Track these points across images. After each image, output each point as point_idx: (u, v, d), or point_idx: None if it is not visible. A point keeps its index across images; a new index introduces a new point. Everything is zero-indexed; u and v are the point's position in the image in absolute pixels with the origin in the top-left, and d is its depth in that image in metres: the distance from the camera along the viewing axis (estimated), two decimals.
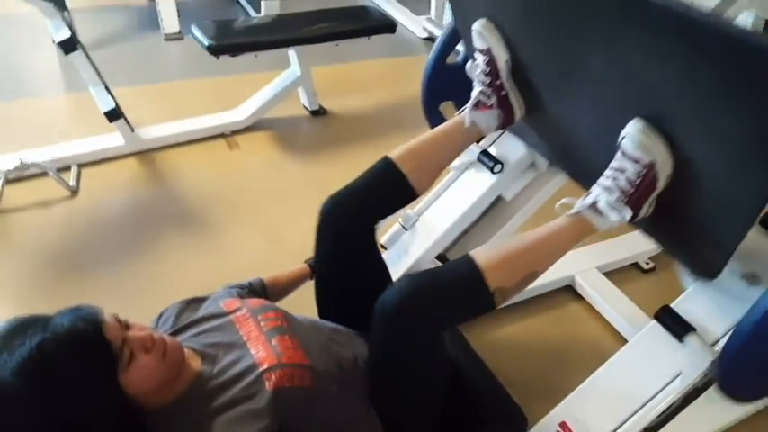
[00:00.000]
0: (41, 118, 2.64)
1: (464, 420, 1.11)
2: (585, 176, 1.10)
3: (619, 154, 0.90)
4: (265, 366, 0.93)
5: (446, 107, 1.67)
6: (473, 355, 1.28)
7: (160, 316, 1.12)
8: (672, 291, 1.79)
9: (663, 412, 0.92)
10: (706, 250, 0.91)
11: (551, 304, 1.72)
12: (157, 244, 1.96)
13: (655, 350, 0.98)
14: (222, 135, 2.56)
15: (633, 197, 0.89)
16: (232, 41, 2.37)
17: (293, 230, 2.03)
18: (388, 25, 2.65)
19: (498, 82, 1.17)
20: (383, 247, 1.52)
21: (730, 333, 0.84)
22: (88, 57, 2.17)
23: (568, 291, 1.78)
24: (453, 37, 1.51)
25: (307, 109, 2.80)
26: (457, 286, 0.94)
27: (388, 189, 1.22)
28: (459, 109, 1.50)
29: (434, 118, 1.63)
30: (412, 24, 3.74)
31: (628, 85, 0.86)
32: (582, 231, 0.95)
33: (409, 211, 1.48)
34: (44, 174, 2.13)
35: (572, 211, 0.94)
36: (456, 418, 1.10)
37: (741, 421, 1.08)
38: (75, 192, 2.14)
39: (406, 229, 1.51)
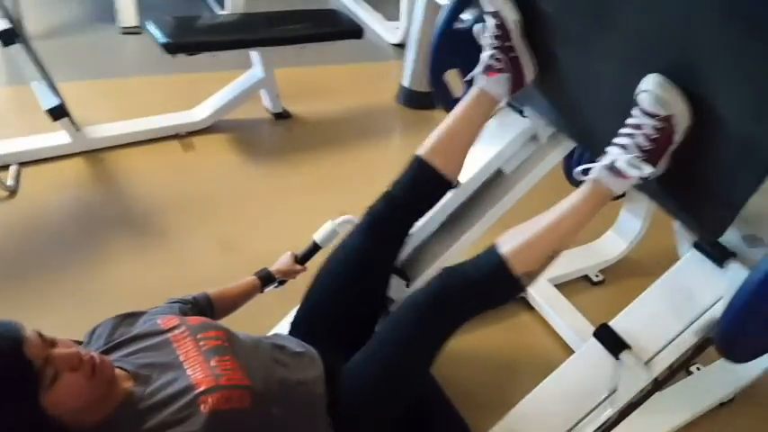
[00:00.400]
0: None
1: None
2: (596, 139, 1.10)
3: (636, 110, 0.90)
4: (202, 389, 0.88)
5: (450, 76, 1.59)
6: None
7: (93, 331, 1.05)
8: (620, 304, 1.81)
9: (599, 427, 0.95)
10: (715, 206, 0.91)
11: (503, 314, 1.74)
12: (103, 250, 1.87)
13: (592, 366, 1.01)
14: (177, 136, 2.46)
15: (651, 152, 0.89)
16: (190, 39, 2.29)
17: (249, 239, 1.96)
18: (355, 31, 2.61)
19: (508, 43, 1.16)
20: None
21: (732, 295, 0.84)
22: (30, 50, 2.05)
23: (521, 301, 1.79)
24: (463, 1, 1.45)
25: (269, 112, 2.73)
26: (486, 278, 0.99)
27: (427, 191, 1.25)
28: (464, 76, 1.44)
29: (439, 86, 1.57)
30: (383, 30, 3.70)
31: (654, 36, 0.86)
32: (599, 199, 0.96)
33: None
34: None
35: (590, 175, 0.95)
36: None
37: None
38: (13, 192, 2.02)
39: None
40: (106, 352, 0.97)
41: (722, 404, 1.39)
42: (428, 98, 2.96)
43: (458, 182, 1.30)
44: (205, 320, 1.06)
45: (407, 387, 1.04)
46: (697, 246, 1.00)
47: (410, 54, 2.91)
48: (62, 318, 1.60)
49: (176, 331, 0.99)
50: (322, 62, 3.18)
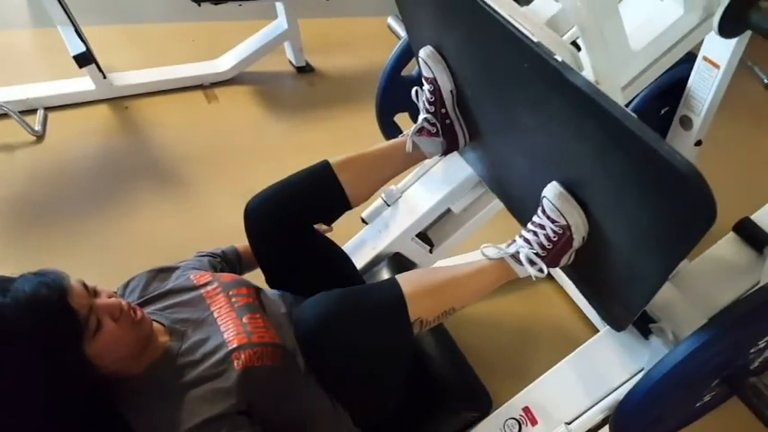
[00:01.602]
0: (3, 54, 2.47)
1: (429, 399, 1.13)
2: (518, 211, 1.16)
3: (539, 210, 0.92)
4: (235, 345, 0.90)
5: (401, 118, 1.68)
6: (442, 331, 1.28)
7: (126, 285, 1.07)
8: None
9: None
10: (615, 307, 0.94)
11: (522, 284, 1.71)
12: (128, 198, 1.89)
13: (620, 344, 1.01)
14: (201, 86, 2.44)
15: (551, 252, 0.91)
16: None
17: None
18: None
19: (443, 110, 1.16)
20: (364, 221, 1.47)
21: (633, 385, 0.86)
22: None
23: None
24: (408, 50, 1.51)
25: (292, 64, 2.69)
26: (379, 312, 0.92)
27: (322, 194, 1.19)
28: (414, 120, 1.47)
29: (389, 128, 1.64)
30: None
31: (551, 147, 0.87)
32: (504, 275, 0.97)
33: (392, 186, 1.43)
34: (5, 116, 2.00)
35: (495, 256, 0.96)
36: (421, 396, 1.11)
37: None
38: (40, 137, 2.04)
39: (388, 205, 1.47)
40: (141, 305, 0.98)
41: None
42: None
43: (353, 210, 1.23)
44: (237, 277, 1.08)
45: (370, 380, 0.99)
46: None
47: None
48: (86, 265, 1.65)
49: (209, 287, 1.02)
50: (345, 14, 3.11)
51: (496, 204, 1.46)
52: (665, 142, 0.58)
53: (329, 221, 1.28)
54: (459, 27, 0.97)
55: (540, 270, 0.92)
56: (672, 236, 0.68)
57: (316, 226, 1.38)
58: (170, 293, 1.02)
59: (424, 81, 1.16)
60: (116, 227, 1.79)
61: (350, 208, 1.21)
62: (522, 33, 0.74)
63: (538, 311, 1.64)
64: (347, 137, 2.31)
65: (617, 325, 0.95)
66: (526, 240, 0.93)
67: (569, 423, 0.94)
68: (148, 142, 2.14)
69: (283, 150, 2.21)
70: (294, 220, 1.16)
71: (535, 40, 0.72)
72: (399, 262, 1.42)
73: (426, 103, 1.17)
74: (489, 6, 0.81)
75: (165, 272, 1.09)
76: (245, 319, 0.95)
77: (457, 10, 0.93)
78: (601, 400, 0.94)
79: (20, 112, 2.02)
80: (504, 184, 1.20)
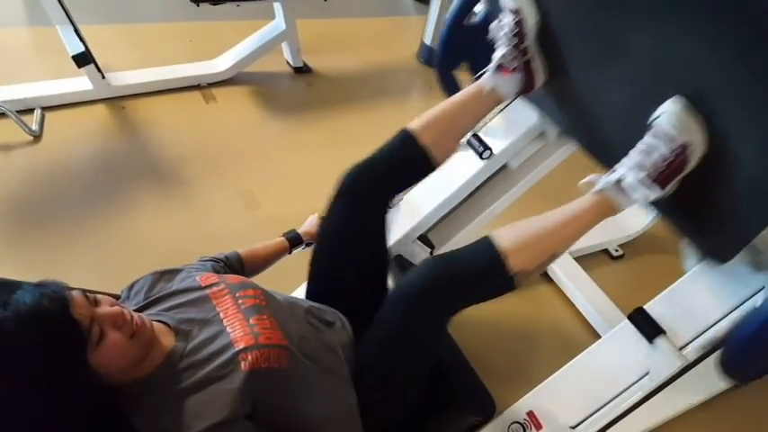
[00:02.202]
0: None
1: (433, 403, 1.13)
2: (605, 151, 1.08)
3: (652, 131, 0.87)
4: (241, 346, 0.90)
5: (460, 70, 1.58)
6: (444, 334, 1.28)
7: (131, 287, 1.06)
8: (638, 279, 1.84)
9: (628, 408, 0.96)
10: (724, 234, 0.90)
11: (523, 286, 1.73)
12: (126, 198, 1.88)
13: (625, 349, 1.01)
14: (198, 86, 2.44)
15: (661, 176, 0.87)
16: None
17: (271, 196, 1.97)
18: None
19: (524, 45, 1.12)
20: None
21: (739, 322, 0.86)
22: None
23: (541, 274, 1.79)
24: None
25: (290, 65, 2.69)
26: (480, 271, 0.95)
27: (410, 164, 1.18)
28: (474, 72, 1.42)
29: (449, 81, 1.55)
30: None
31: (671, 64, 0.83)
32: (604, 211, 0.94)
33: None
34: (2, 115, 1.99)
35: (596, 188, 0.93)
36: (425, 400, 1.11)
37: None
38: (37, 137, 2.02)
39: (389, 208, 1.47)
40: (146, 307, 0.99)
41: (736, 385, 1.43)
42: None
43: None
44: (243, 279, 1.07)
45: (413, 365, 1.03)
46: None
47: (433, 11, 2.83)
48: (85, 266, 1.65)
49: (215, 288, 1.01)
50: (343, 15, 3.11)
51: (498, 205, 1.47)
52: None
53: (413, 184, 1.28)
54: None
55: (649, 196, 0.88)
56: None
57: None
58: (175, 294, 1.01)
59: (505, 14, 1.11)
60: (114, 227, 1.78)
61: (435, 169, 1.21)
62: None
63: (537, 314, 1.65)
64: (345, 137, 2.31)
65: (723, 255, 0.91)
66: (632, 166, 0.89)
67: (574, 427, 0.94)
68: (146, 142, 2.13)
69: (281, 151, 2.21)
70: (387, 193, 1.19)
71: None
72: (402, 265, 1.43)
73: (508, 37, 1.12)
74: None
75: (170, 273, 1.08)
76: (251, 320, 0.95)
77: None
78: (606, 405, 0.94)
79: (17, 111, 2.00)
80: (589, 123, 1.12)
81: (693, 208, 0.93)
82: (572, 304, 1.70)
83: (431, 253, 1.49)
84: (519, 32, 1.10)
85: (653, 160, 0.87)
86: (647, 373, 0.94)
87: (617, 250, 1.94)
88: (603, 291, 1.70)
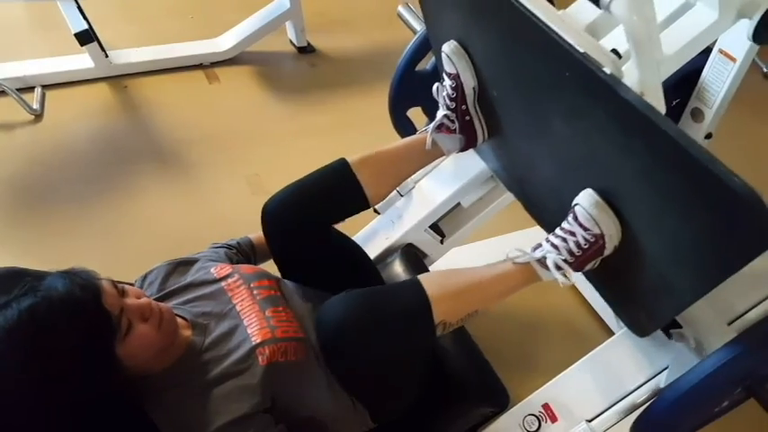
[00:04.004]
0: None
1: (446, 394, 1.13)
2: (538, 213, 1.14)
3: (571, 217, 0.90)
4: (259, 340, 0.90)
5: (414, 113, 1.64)
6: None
7: (144, 277, 1.05)
8: None
9: (644, 402, 0.96)
10: (639, 314, 0.94)
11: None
12: (129, 180, 1.86)
13: (643, 343, 1.01)
14: (201, 66, 2.39)
15: (579, 259, 0.90)
16: None
17: (277, 179, 1.93)
18: None
19: (464, 107, 1.14)
20: (376, 211, 1.47)
21: (655, 399, 0.87)
22: None
23: None
24: (424, 43, 1.46)
25: (293, 45, 2.64)
26: (402, 313, 0.90)
27: (341, 194, 1.17)
28: (427, 114, 1.49)
29: (402, 123, 1.61)
30: None
31: (588, 156, 0.85)
32: (529, 279, 0.96)
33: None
34: (2, 93, 1.95)
35: (520, 260, 0.94)
36: (438, 391, 1.12)
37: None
38: (38, 115, 1.99)
39: (401, 195, 1.46)
40: (161, 299, 0.98)
41: None
42: None
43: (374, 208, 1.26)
44: (257, 269, 1.07)
45: (391, 380, 1.01)
46: None
47: None
48: (87, 249, 1.64)
49: (230, 280, 1.01)
50: None
51: (507, 197, 1.46)
52: (721, 163, 0.57)
53: (343, 219, 1.25)
54: (491, 27, 0.94)
55: (566, 276, 0.91)
56: (719, 255, 0.68)
57: None
58: (190, 287, 1.01)
59: (444, 76, 1.14)
60: (117, 210, 1.76)
61: (368, 207, 1.20)
62: (565, 41, 0.72)
63: (546, 303, 1.66)
64: (349, 120, 2.28)
65: (639, 332, 0.95)
66: (554, 246, 0.92)
67: (590, 420, 0.95)
68: (149, 123, 2.09)
69: (284, 133, 2.18)
70: (314, 222, 1.14)
71: (581, 50, 0.71)
72: (412, 253, 1.43)
73: (447, 99, 1.14)
74: (526, 9, 0.78)
75: (184, 264, 1.07)
76: (268, 313, 0.95)
77: (490, 10, 0.91)
78: (623, 399, 0.95)
79: (18, 89, 1.96)
80: (525, 186, 1.18)
81: (612, 286, 0.97)
82: (579, 293, 1.70)
83: (441, 242, 1.49)
84: (457, 96, 1.12)
85: (571, 244, 0.89)
86: (665, 368, 0.95)
87: None
88: None
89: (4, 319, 0.71)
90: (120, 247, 1.66)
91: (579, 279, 1.67)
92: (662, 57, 0.88)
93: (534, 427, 0.99)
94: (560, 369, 1.05)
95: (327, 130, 2.21)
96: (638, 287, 0.88)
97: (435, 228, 1.49)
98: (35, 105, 1.98)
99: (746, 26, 0.94)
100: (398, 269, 1.38)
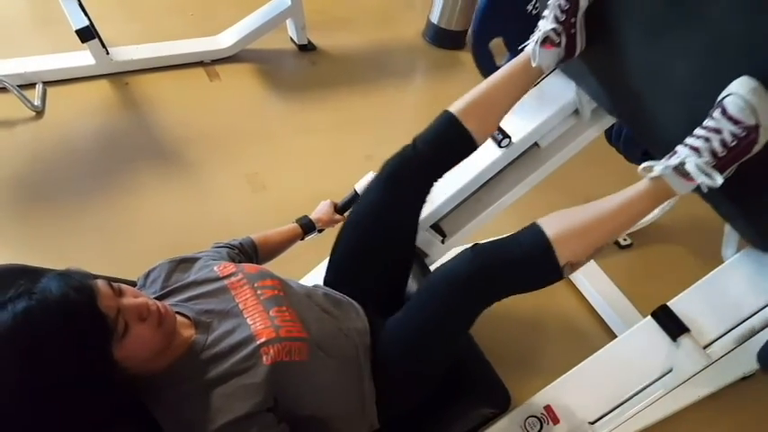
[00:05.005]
0: None
1: (447, 394, 1.13)
2: (655, 130, 1.03)
3: (717, 112, 0.83)
4: (263, 340, 0.90)
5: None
6: None
7: (147, 275, 1.04)
8: (646, 268, 1.86)
9: (648, 404, 0.96)
10: None
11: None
12: (130, 177, 1.85)
13: (648, 346, 1.00)
14: (202, 63, 2.38)
15: (723, 160, 0.83)
16: None
17: (277, 178, 1.95)
18: None
19: (573, 20, 1.09)
20: None
21: None
22: None
23: None
24: None
25: (294, 42, 2.63)
26: (527, 261, 0.93)
27: (454, 149, 1.17)
28: (508, 46, 1.41)
29: (484, 56, 1.48)
30: None
31: (749, 37, 0.78)
32: (659, 198, 0.90)
33: None
34: (4, 90, 1.94)
35: (653, 173, 0.88)
36: (439, 391, 1.11)
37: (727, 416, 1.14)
38: (40, 112, 1.98)
39: None
40: (163, 297, 0.97)
41: (744, 378, 1.45)
42: (457, 38, 2.86)
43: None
44: (261, 268, 1.06)
45: (440, 352, 1.04)
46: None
47: None
48: (88, 246, 1.64)
49: (233, 278, 1.00)
50: None
51: (513, 194, 1.46)
52: None
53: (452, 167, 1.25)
54: None
55: (713, 183, 0.84)
56: None
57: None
58: (193, 284, 1.00)
59: None
60: (118, 207, 1.76)
61: (476, 148, 1.19)
62: None
63: (545, 302, 1.66)
64: (349, 119, 2.29)
65: None
66: (693, 149, 0.85)
67: (593, 423, 0.95)
68: (150, 120, 2.09)
69: (286, 131, 2.18)
70: (430, 179, 1.17)
71: None
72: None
73: (558, 11, 1.09)
74: None
75: (187, 262, 1.07)
76: (272, 313, 0.95)
77: None
78: (625, 401, 0.95)
79: (19, 86, 1.95)
80: (639, 102, 1.06)
81: (745, 192, 0.90)
82: (580, 293, 1.70)
83: (442, 241, 1.49)
84: (570, 8, 1.08)
85: (716, 143, 0.83)
86: (668, 371, 0.94)
87: (625, 239, 1.94)
88: (611, 279, 1.70)
89: (0, 323, 0.71)
90: (121, 243, 1.66)
91: (580, 280, 1.70)
92: None
93: (536, 429, 0.98)
94: (562, 371, 1.05)
95: (328, 128, 2.21)
96: None
97: (437, 228, 1.49)
98: (36, 102, 1.98)
99: None
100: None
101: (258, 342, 0.89)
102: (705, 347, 0.95)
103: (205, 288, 0.99)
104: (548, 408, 0.99)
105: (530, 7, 1.14)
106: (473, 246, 0.96)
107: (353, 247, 1.21)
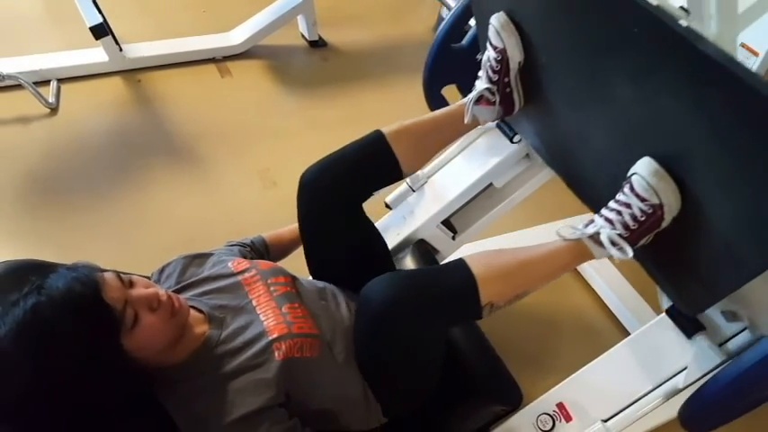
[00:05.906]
0: (12, 22, 2.40)
1: (458, 391, 1.13)
2: (584, 190, 1.09)
3: (627, 188, 0.86)
4: (275, 336, 0.90)
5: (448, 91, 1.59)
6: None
7: (162, 270, 1.05)
8: None
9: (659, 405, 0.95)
10: (695, 289, 0.90)
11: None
12: (143, 174, 1.87)
13: (662, 344, 0.99)
14: (213, 60, 2.39)
15: (635, 233, 0.87)
16: None
17: (289, 174, 1.94)
18: None
19: (506, 80, 1.12)
20: (388, 206, 1.46)
21: (709, 378, 0.86)
22: None
23: None
24: (462, 17, 1.42)
25: (305, 38, 2.64)
26: (449, 295, 0.90)
27: (376, 166, 1.16)
28: (461, 91, 1.45)
29: (436, 101, 1.57)
30: None
31: (650, 122, 0.82)
32: (580, 257, 0.92)
33: (418, 171, 1.42)
34: (19, 86, 1.96)
35: (572, 237, 0.91)
36: (450, 388, 1.11)
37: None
38: (54, 109, 2.00)
39: (413, 190, 1.46)
40: (178, 292, 0.98)
41: None
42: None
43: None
44: (274, 265, 1.07)
45: (404, 376, 1.00)
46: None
47: None
48: (102, 241, 1.65)
49: (247, 274, 1.01)
50: None
51: (524, 191, 1.45)
52: None
53: (377, 189, 1.24)
54: None
55: (623, 251, 0.87)
56: None
57: None
58: (208, 279, 1.01)
59: (489, 49, 1.11)
60: (130, 202, 1.77)
61: (402, 178, 1.19)
62: None
63: (560, 301, 1.65)
64: (361, 115, 2.28)
65: (692, 308, 0.91)
66: (608, 220, 0.88)
67: (606, 420, 0.94)
68: (162, 117, 2.10)
69: (296, 127, 2.18)
70: (349, 193, 1.14)
71: (654, 2, 0.66)
72: (424, 249, 1.42)
73: (490, 72, 1.12)
74: None
75: (201, 258, 1.08)
76: (284, 309, 0.95)
77: None
78: (639, 399, 0.94)
79: (34, 83, 1.97)
80: (570, 161, 1.12)
81: (665, 261, 0.93)
82: (593, 290, 1.69)
83: (453, 238, 1.49)
84: (501, 69, 1.10)
85: (627, 217, 0.86)
86: (683, 369, 0.93)
87: None
88: (625, 277, 1.68)
89: (13, 318, 0.72)
90: (134, 239, 1.67)
91: (593, 277, 1.68)
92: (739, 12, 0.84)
93: (548, 427, 0.98)
94: (574, 368, 1.05)
95: (339, 125, 2.21)
96: (696, 259, 0.84)
97: (447, 224, 1.49)
98: (51, 99, 2.00)
99: None
100: (410, 265, 1.37)
101: (270, 338, 0.90)
102: (720, 345, 0.94)
103: (219, 283, 1.00)
104: (560, 405, 0.99)
105: (480, 56, 1.15)
106: (394, 273, 0.92)
107: (314, 262, 1.20)
